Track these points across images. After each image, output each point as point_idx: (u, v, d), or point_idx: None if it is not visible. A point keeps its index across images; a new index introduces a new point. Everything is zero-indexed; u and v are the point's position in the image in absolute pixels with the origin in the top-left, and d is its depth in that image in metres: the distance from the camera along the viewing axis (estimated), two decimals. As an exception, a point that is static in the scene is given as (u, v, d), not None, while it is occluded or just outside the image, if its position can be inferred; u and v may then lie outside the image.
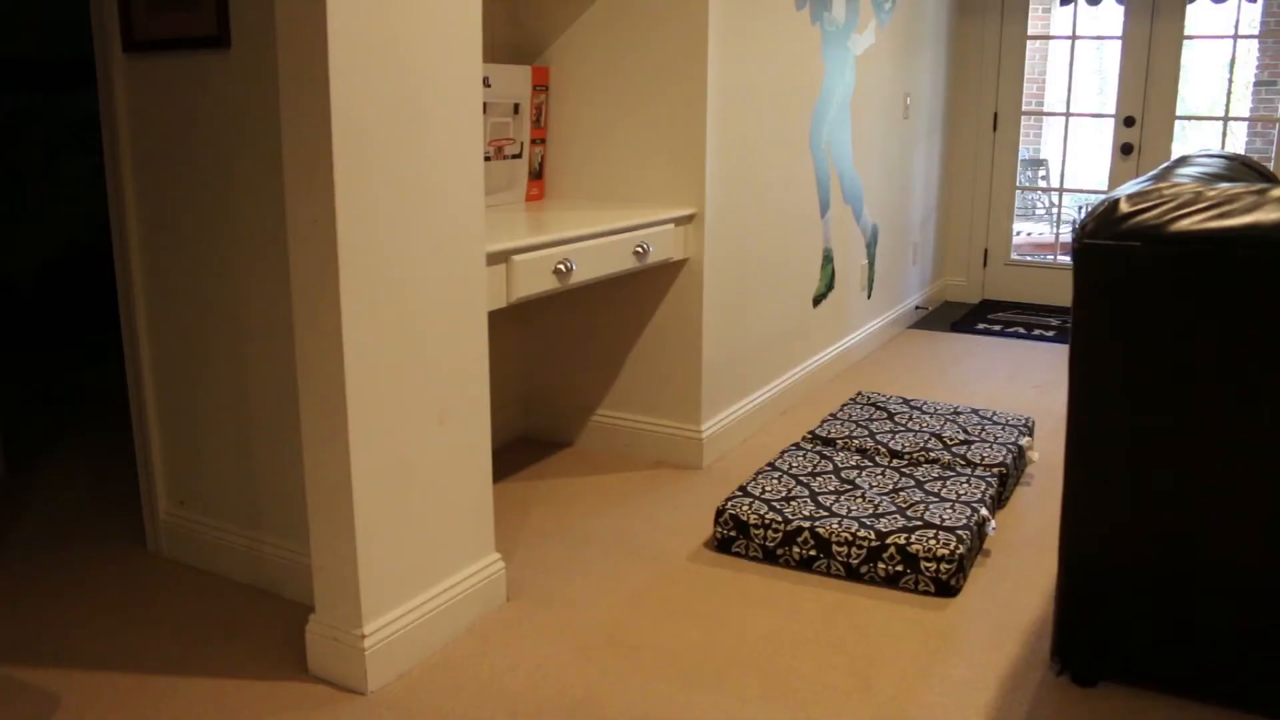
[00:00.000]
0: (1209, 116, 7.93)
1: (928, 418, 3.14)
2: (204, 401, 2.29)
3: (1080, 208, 2.05)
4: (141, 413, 2.38)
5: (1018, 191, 5.50)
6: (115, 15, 2.17)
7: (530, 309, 3.23)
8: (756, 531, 2.40)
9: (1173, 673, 1.82)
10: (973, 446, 2.88)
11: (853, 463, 2.78)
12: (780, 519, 2.39)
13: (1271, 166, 5.11)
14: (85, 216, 4.60)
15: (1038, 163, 9.50)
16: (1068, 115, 5.49)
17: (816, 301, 3.82)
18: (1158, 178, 1.88)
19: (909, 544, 2.26)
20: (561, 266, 2.39)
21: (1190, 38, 4.99)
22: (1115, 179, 5.18)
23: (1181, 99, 5.02)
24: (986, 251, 5.52)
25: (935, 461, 2.79)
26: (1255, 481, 1.66)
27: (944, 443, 2.92)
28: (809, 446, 2.92)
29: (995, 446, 2.87)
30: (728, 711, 1.83)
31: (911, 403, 3.29)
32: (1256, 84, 8.57)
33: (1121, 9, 5.04)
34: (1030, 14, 5.24)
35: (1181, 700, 1.83)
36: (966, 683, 1.92)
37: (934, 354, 4.42)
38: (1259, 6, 5.53)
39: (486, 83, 2.75)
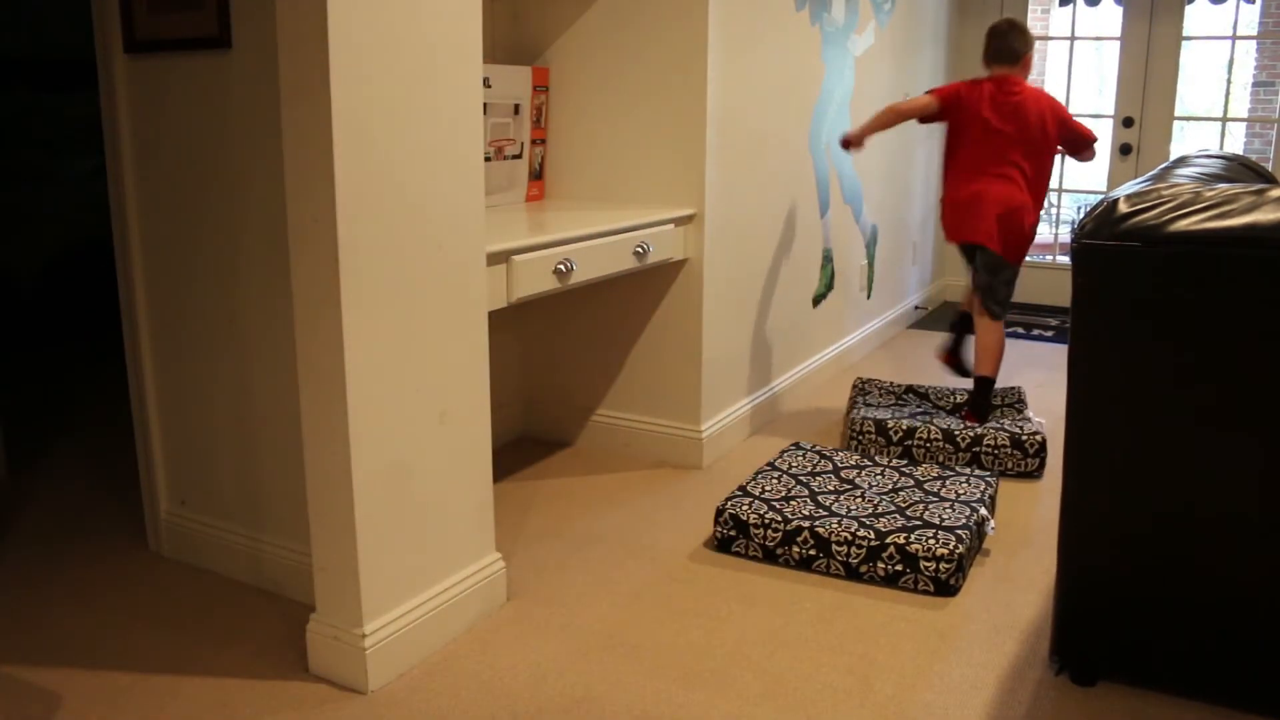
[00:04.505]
0: (1207, 117, 7.93)
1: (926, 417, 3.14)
2: (205, 401, 2.29)
3: (1079, 208, 2.06)
4: (143, 412, 2.38)
5: (1017, 192, 5.48)
6: (116, 15, 2.17)
7: (530, 309, 3.23)
8: (756, 531, 2.41)
9: (1171, 672, 1.82)
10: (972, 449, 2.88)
11: (852, 462, 2.78)
12: (780, 518, 2.40)
13: (1270, 167, 5.12)
14: (86, 216, 4.60)
15: (1037, 163, 9.48)
16: (1067, 116, 5.48)
17: (816, 301, 3.82)
18: (1156, 178, 1.88)
19: (908, 543, 2.27)
20: (561, 267, 2.39)
21: (1189, 38, 4.99)
22: (1114, 179, 5.18)
23: (1180, 99, 5.03)
24: (986, 252, 5.51)
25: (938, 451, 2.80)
26: (1254, 481, 1.67)
27: (956, 444, 2.92)
28: (809, 446, 2.92)
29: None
30: (728, 711, 1.83)
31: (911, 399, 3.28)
32: (1255, 85, 8.56)
33: (1120, 10, 5.04)
34: (1029, 14, 5.24)
35: (1180, 699, 1.84)
36: (965, 682, 1.92)
37: (933, 354, 4.41)
38: (1257, 7, 5.54)
39: (487, 83, 2.75)
